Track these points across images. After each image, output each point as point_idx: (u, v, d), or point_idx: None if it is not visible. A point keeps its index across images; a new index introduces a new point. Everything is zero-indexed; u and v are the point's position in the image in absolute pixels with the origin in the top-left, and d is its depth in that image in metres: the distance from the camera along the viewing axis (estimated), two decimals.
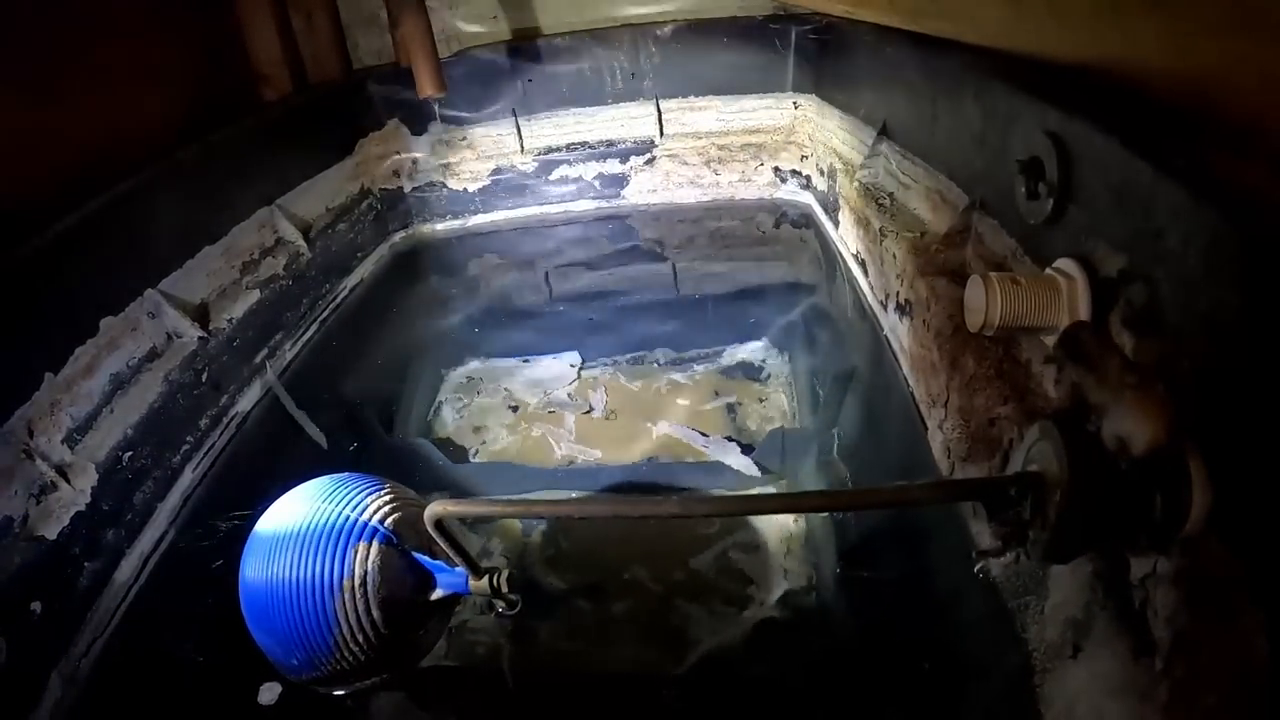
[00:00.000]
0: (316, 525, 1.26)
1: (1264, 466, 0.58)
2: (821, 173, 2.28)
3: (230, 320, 1.76)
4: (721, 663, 1.75)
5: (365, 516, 1.28)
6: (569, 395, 2.73)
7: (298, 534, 1.26)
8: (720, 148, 2.48)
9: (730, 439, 2.42)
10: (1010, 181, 1.00)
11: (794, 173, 2.47)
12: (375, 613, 1.24)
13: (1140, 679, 0.68)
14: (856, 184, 1.75)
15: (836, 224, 2.04)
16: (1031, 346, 1.02)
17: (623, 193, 2.58)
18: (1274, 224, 0.60)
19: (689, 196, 2.57)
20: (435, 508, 1.02)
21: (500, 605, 1.28)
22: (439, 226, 2.65)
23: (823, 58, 2.22)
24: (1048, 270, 0.89)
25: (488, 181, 2.56)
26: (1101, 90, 0.89)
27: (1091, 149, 0.84)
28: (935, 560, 1.29)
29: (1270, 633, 0.55)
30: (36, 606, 1.20)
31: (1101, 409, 0.71)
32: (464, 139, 2.50)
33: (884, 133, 1.69)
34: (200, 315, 1.67)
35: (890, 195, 1.61)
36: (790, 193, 2.50)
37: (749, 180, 2.52)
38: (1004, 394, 1.02)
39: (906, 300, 1.40)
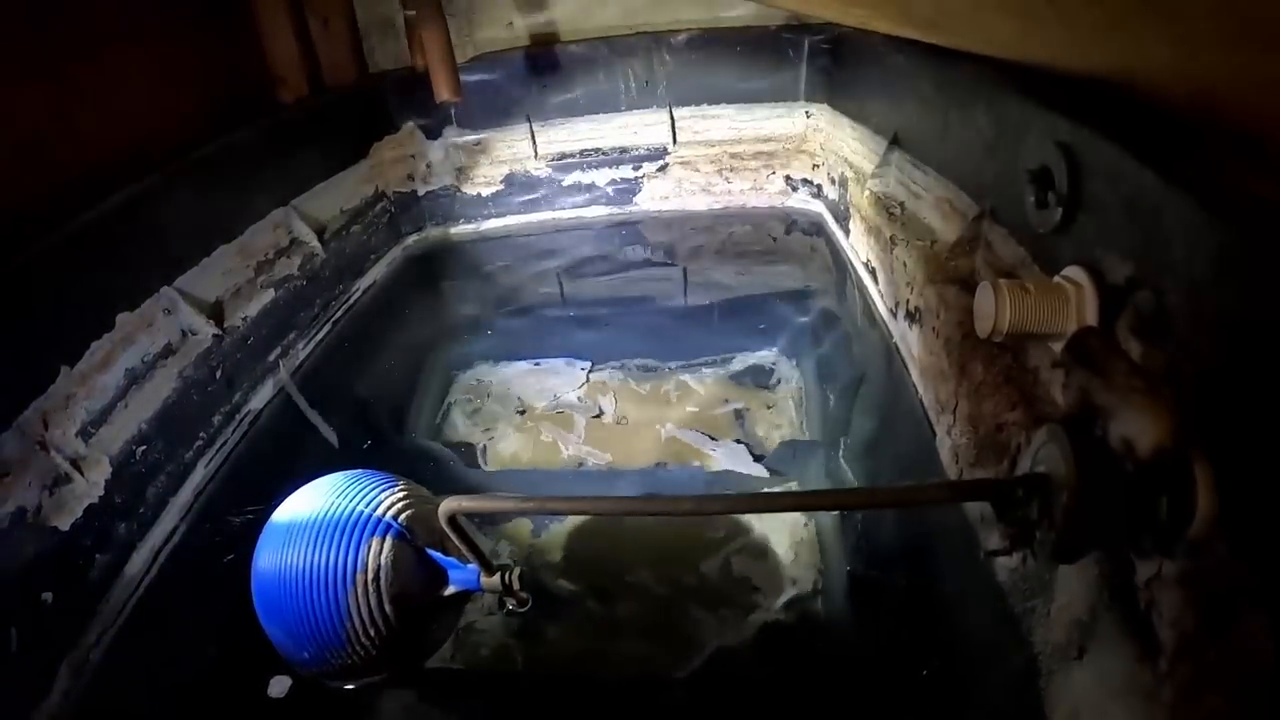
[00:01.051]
0: (330, 519, 1.27)
1: (1269, 470, 0.58)
2: (833, 181, 2.29)
3: (244, 319, 1.77)
4: (728, 665, 1.75)
5: (379, 512, 1.29)
6: (579, 399, 2.74)
7: (312, 528, 1.27)
8: (732, 156, 2.49)
9: (739, 442, 2.43)
10: (1020, 190, 1.01)
11: (805, 181, 2.48)
12: (387, 607, 1.25)
13: (1145, 680, 0.69)
14: (868, 193, 1.76)
15: (847, 232, 2.05)
16: (1040, 353, 1.02)
17: (635, 199, 2.59)
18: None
19: (701, 204, 2.58)
20: (449, 503, 1.03)
21: (511, 602, 1.29)
22: (452, 230, 2.66)
23: (835, 67, 2.23)
24: (1056, 278, 0.90)
25: (501, 186, 2.58)
26: (1111, 100, 0.90)
27: (1100, 158, 0.85)
28: (942, 564, 1.30)
29: (1274, 634, 0.55)
30: (48, 597, 1.22)
31: (1108, 412, 0.71)
32: (478, 144, 2.52)
33: (895, 142, 1.70)
34: (215, 313, 1.69)
35: (901, 204, 1.62)
36: (801, 201, 2.51)
37: (761, 188, 2.54)
38: (1012, 400, 1.03)
39: (916, 308, 1.41)
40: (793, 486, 2.19)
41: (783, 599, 1.90)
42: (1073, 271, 0.88)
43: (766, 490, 2.16)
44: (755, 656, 1.77)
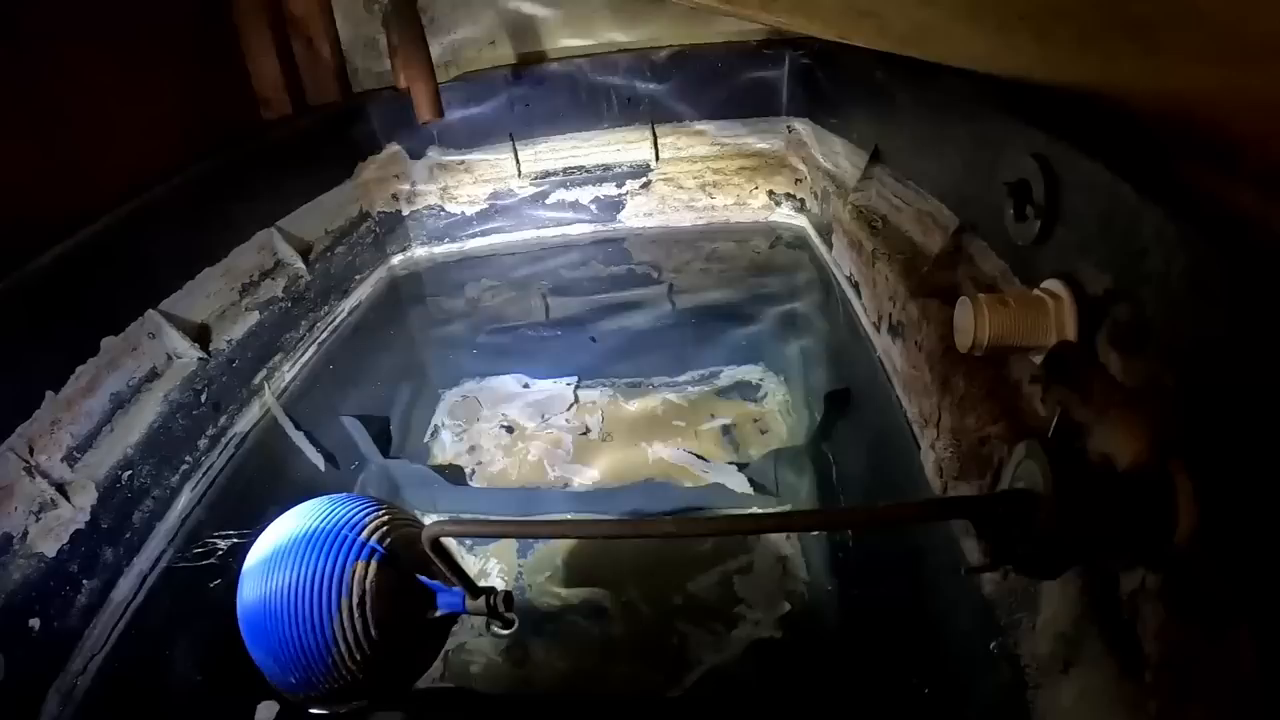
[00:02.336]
0: (314, 544, 1.27)
1: (1250, 481, 0.59)
2: (815, 196, 2.29)
3: (230, 341, 1.77)
4: (719, 683, 1.75)
5: (363, 536, 1.29)
6: (566, 417, 2.74)
7: (296, 553, 1.26)
8: (715, 171, 2.50)
9: (730, 463, 2.43)
10: (999, 204, 1.02)
11: (788, 196, 2.49)
12: (373, 631, 1.24)
13: (1129, 693, 0.69)
14: (849, 207, 1.77)
15: (830, 246, 2.05)
16: (1021, 366, 1.03)
17: (619, 216, 2.60)
18: (1254, 241, 0.62)
19: (684, 220, 2.58)
20: (432, 527, 1.02)
21: (497, 624, 1.28)
22: (437, 249, 2.66)
23: (816, 83, 2.24)
24: (1036, 291, 0.91)
25: (485, 205, 2.58)
26: (1087, 113, 0.91)
27: (1077, 172, 0.86)
28: (929, 579, 1.30)
29: (1257, 646, 0.55)
30: (35, 623, 1.21)
31: (1086, 427, 0.72)
32: (462, 163, 2.52)
33: (876, 156, 1.71)
34: (200, 336, 1.68)
35: (883, 218, 1.63)
36: (785, 216, 2.52)
37: (744, 204, 2.54)
38: (994, 413, 1.03)
39: (899, 321, 1.41)
40: (775, 506, 2.19)
41: (772, 614, 1.90)
42: (1052, 284, 0.88)
43: (747, 512, 2.16)
44: (745, 673, 1.77)
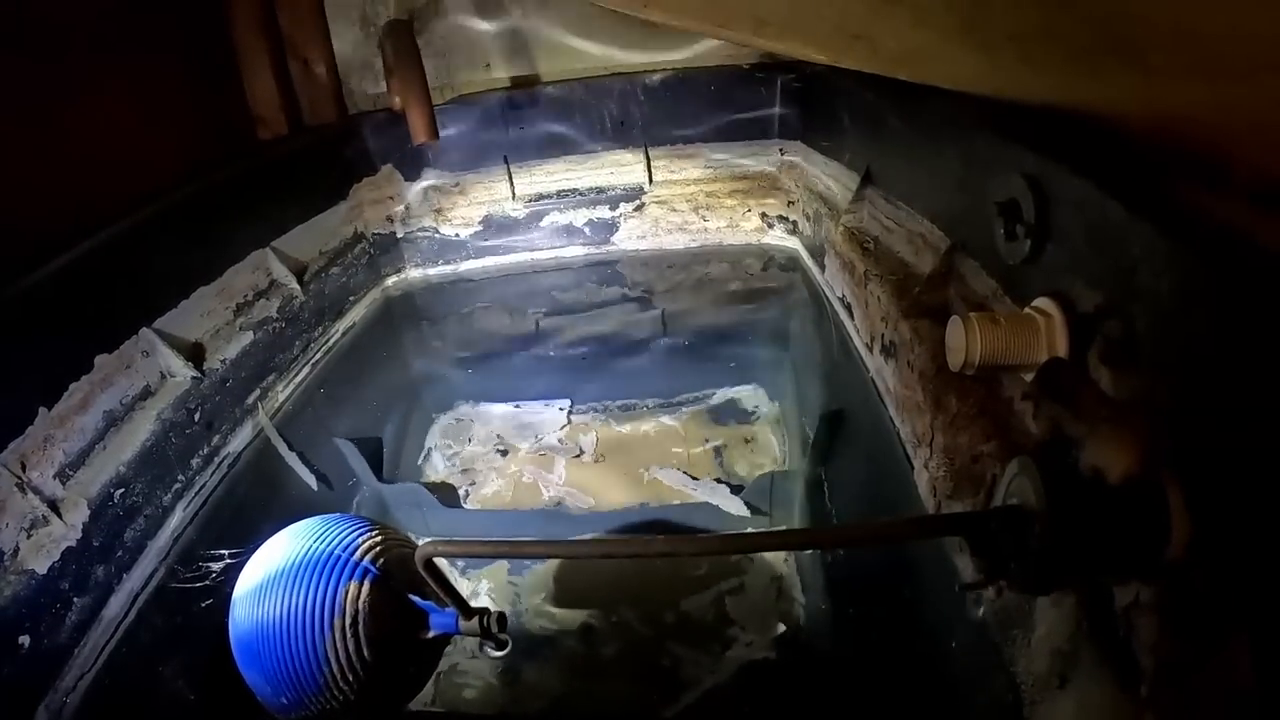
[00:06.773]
0: (307, 564, 1.27)
1: (1243, 492, 0.59)
2: (807, 218, 2.31)
3: (223, 361, 1.77)
4: (713, 704, 1.74)
5: (356, 556, 1.28)
6: (559, 439, 2.74)
7: (288, 573, 1.26)
8: (708, 194, 2.51)
9: (720, 481, 2.43)
10: (990, 223, 1.03)
11: (780, 218, 2.50)
12: (365, 652, 1.23)
13: (1127, 708, 0.69)
14: (841, 229, 1.78)
15: (822, 268, 2.06)
16: (1013, 384, 1.03)
17: (612, 239, 2.60)
18: (1244, 256, 0.62)
19: (677, 242, 2.59)
20: (426, 547, 1.02)
21: (490, 646, 1.28)
22: (431, 271, 2.66)
23: (807, 105, 2.27)
24: (1027, 309, 0.91)
25: (479, 227, 2.59)
26: (1076, 132, 0.92)
27: (1066, 190, 0.86)
28: (923, 597, 1.30)
29: (1255, 657, 0.55)
30: (24, 640, 1.20)
31: (1078, 442, 0.72)
32: (456, 185, 2.53)
33: (868, 178, 1.72)
34: (194, 355, 1.68)
35: (874, 239, 1.64)
36: (777, 238, 2.53)
37: (736, 226, 2.56)
38: (987, 432, 1.04)
39: (891, 342, 1.42)
40: (769, 525, 2.19)
41: (766, 636, 1.89)
42: (1042, 302, 0.89)
43: (741, 531, 2.16)
44: (740, 694, 1.76)
